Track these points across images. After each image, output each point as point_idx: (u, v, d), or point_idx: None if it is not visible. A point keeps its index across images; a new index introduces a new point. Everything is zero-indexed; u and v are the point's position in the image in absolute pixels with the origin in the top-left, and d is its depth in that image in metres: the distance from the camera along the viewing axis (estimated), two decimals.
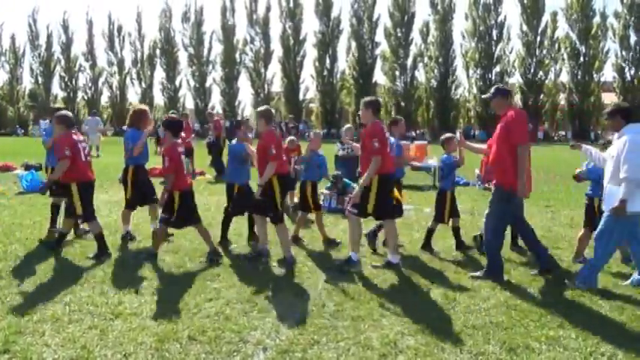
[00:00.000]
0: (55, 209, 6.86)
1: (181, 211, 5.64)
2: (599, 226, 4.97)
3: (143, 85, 52.76)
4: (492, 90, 5.33)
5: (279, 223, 5.71)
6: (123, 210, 6.74)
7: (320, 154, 7.06)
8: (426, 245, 6.35)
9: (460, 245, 6.38)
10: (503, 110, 5.20)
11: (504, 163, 5.03)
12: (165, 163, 5.57)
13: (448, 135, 6.58)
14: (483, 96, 6.45)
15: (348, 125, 9.95)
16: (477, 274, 5.27)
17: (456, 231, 6.41)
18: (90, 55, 53.30)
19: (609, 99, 43.77)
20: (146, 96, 51.95)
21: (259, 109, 5.92)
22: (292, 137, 10.02)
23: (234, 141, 6.72)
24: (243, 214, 6.56)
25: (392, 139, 6.08)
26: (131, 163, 6.59)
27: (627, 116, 4.91)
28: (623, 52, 42.66)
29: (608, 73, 44.97)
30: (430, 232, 6.40)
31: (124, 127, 7.60)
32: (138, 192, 6.58)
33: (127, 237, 6.61)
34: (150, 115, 6.86)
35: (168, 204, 5.63)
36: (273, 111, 6.06)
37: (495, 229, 5.23)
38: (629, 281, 5.12)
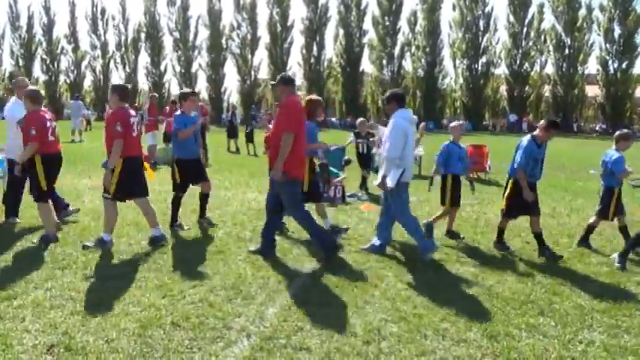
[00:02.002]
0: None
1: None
2: (392, 206, 5.48)
3: (127, 69, 51.97)
4: (278, 77, 5.49)
5: (41, 202, 5.72)
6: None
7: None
8: (583, 241, 6.21)
9: (632, 245, 5.62)
10: (284, 98, 5.30)
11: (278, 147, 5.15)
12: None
13: (625, 131, 6.29)
14: (270, 82, 6.79)
15: (361, 119, 10.36)
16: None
17: (623, 230, 6.15)
18: (72, 37, 52.29)
19: (593, 91, 44.41)
20: (130, 80, 51.17)
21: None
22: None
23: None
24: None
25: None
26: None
27: (400, 101, 5.46)
28: (608, 45, 43.17)
29: (592, 66, 45.50)
30: (591, 229, 6.23)
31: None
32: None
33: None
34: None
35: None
36: (41, 92, 6.13)
37: (289, 209, 5.40)
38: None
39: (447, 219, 6.51)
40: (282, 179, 5.15)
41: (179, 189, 6.55)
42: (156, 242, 5.68)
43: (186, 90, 7.05)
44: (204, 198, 6.75)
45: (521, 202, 5.64)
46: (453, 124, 6.66)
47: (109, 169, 5.41)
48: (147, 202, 5.78)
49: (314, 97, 6.42)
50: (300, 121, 5.25)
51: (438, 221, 6.51)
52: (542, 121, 5.90)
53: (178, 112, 6.59)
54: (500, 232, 6.01)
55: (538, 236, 5.73)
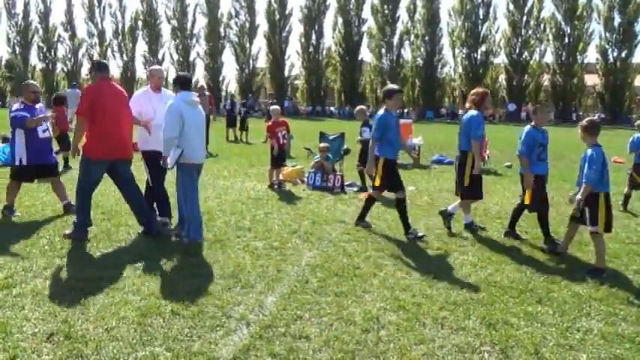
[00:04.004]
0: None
1: None
2: (176, 185, 5.48)
3: (125, 57, 51.64)
4: (91, 63, 5.82)
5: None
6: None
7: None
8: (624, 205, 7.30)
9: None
10: (93, 82, 5.55)
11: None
12: None
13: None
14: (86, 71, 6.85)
15: (360, 107, 9.47)
16: None
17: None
18: (69, 25, 51.93)
19: (592, 81, 44.27)
20: (128, 69, 50.89)
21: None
22: (276, 107, 9.97)
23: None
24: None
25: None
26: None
27: (182, 84, 5.45)
28: (607, 34, 42.93)
29: (592, 55, 45.35)
30: (626, 198, 7.55)
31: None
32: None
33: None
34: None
35: None
36: None
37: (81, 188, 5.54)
38: None
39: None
40: (82, 157, 5.45)
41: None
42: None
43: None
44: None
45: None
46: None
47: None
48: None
49: (481, 89, 6.49)
50: (92, 105, 5.35)
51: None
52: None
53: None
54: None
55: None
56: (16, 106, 6.48)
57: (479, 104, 6.21)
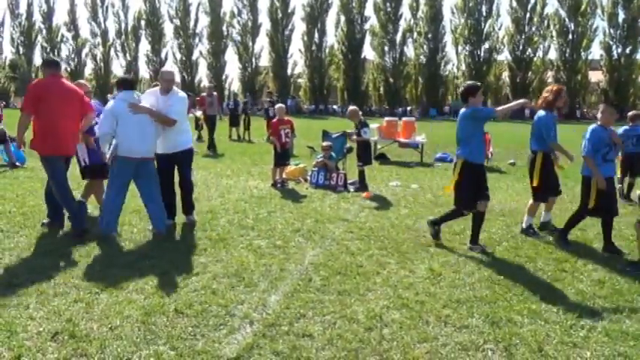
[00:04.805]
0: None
1: None
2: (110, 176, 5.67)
3: (128, 57, 51.77)
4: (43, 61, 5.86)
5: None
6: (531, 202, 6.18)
7: None
8: None
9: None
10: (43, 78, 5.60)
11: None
12: None
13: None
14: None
15: (352, 107, 9.22)
16: None
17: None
18: (72, 25, 52.09)
19: (596, 77, 44.11)
20: (131, 68, 51.00)
21: None
22: (281, 105, 9.91)
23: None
24: None
25: None
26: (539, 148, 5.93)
27: (123, 85, 5.67)
28: (611, 30, 42.76)
29: (596, 52, 45.15)
30: None
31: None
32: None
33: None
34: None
35: None
36: None
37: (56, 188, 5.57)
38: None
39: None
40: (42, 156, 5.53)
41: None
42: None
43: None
44: None
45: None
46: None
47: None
48: None
49: (555, 86, 6.12)
50: (34, 101, 5.36)
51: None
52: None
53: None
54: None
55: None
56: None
57: (552, 104, 5.88)
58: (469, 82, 5.66)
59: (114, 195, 5.60)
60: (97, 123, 5.96)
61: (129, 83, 5.80)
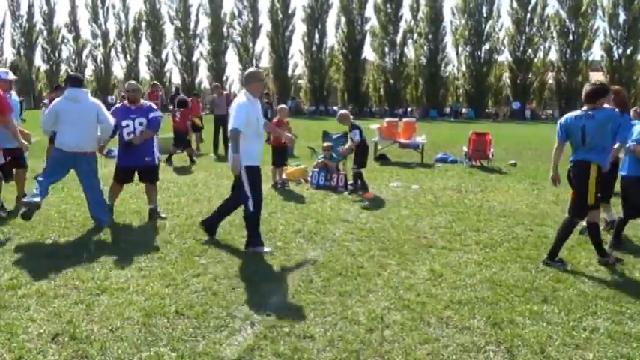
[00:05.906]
0: None
1: None
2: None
3: (128, 58, 51.81)
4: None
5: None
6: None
7: None
8: None
9: None
10: None
11: None
12: None
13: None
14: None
15: (342, 111, 9.03)
16: None
17: None
18: (73, 26, 52.15)
19: (597, 78, 44.07)
20: (131, 70, 51.05)
21: None
22: (283, 106, 9.89)
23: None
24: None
25: None
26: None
27: (72, 82, 6.03)
28: (612, 31, 42.76)
29: (597, 53, 45.20)
30: None
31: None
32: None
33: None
34: None
35: None
36: None
37: None
38: None
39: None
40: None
41: None
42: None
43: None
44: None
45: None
46: None
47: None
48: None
49: (616, 87, 5.99)
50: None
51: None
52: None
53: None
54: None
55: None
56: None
57: (623, 105, 5.71)
58: (600, 82, 5.22)
59: (45, 175, 6.00)
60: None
61: (76, 80, 6.16)
